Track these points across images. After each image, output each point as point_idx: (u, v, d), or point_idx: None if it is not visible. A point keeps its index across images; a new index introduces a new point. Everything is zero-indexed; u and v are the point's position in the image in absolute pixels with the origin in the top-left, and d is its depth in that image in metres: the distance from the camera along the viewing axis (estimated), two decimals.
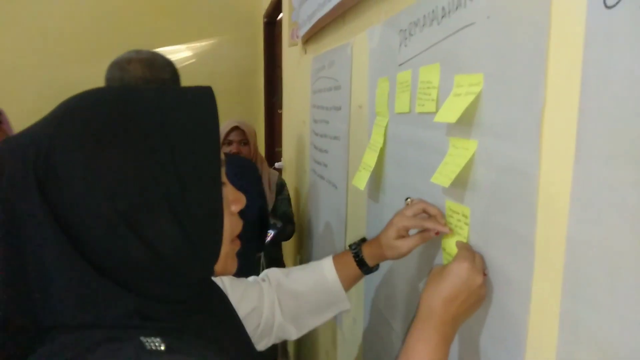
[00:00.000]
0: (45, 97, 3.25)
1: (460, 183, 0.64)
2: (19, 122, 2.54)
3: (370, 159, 0.96)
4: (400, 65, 0.86)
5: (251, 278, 0.83)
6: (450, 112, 0.64)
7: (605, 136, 0.40)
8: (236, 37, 3.64)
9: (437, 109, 0.71)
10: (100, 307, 0.42)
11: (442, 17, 0.69)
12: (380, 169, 0.98)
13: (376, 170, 0.97)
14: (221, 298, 0.62)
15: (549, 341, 0.48)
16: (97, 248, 0.41)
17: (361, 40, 1.11)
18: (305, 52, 1.84)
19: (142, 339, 0.41)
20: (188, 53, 3.56)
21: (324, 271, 0.80)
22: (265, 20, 3.30)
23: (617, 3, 0.38)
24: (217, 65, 3.59)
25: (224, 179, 0.50)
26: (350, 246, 0.82)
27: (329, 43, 1.47)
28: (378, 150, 0.95)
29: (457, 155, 0.65)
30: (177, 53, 3.56)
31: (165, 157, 0.43)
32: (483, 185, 0.60)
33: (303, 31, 1.59)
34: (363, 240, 0.82)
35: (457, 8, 0.65)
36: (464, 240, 0.65)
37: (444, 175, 0.65)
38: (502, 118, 0.55)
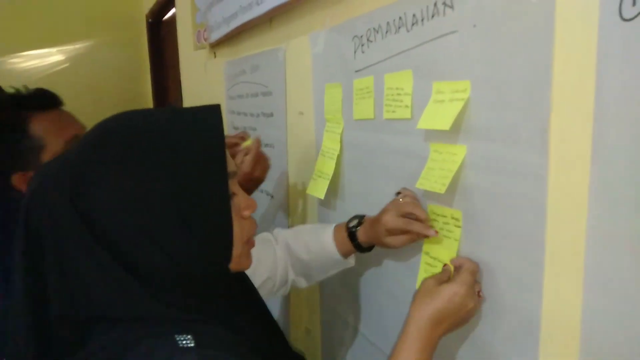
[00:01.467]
0: None
1: (449, 190, 0.66)
2: None
3: (327, 167, 0.95)
4: (358, 71, 0.85)
5: (264, 234, 0.89)
6: (437, 119, 0.65)
7: (623, 140, 0.44)
8: (115, 38, 3.33)
9: (412, 116, 0.72)
10: (134, 302, 0.49)
11: (413, 24, 0.70)
12: (336, 177, 0.96)
13: (332, 178, 0.96)
14: (242, 278, 0.66)
15: (565, 338, 0.52)
16: (128, 257, 0.48)
17: (297, 45, 1.09)
18: (215, 56, 1.75)
19: (176, 336, 0.47)
20: (60, 57, 3.16)
21: (325, 245, 0.82)
22: (149, 20, 3.07)
23: (636, 16, 0.42)
24: (95, 69, 3.25)
25: (235, 188, 0.56)
26: (348, 226, 0.81)
27: (248, 47, 1.42)
28: (335, 157, 0.94)
29: (443, 160, 0.66)
30: (47, 57, 3.16)
31: (179, 177, 0.49)
32: (478, 188, 0.62)
33: (217, 35, 1.50)
34: (362, 218, 0.81)
35: (432, 16, 0.66)
36: (456, 243, 0.67)
37: (432, 181, 0.67)
38: (500, 123, 0.58)
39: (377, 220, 0.75)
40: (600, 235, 0.47)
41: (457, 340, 0.68)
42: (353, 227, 0.81)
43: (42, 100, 0.88)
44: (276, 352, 0.64)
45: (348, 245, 0.81)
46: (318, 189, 0.95)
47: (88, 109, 3.34)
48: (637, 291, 0.45)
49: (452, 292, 0.59)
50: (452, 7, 0.62)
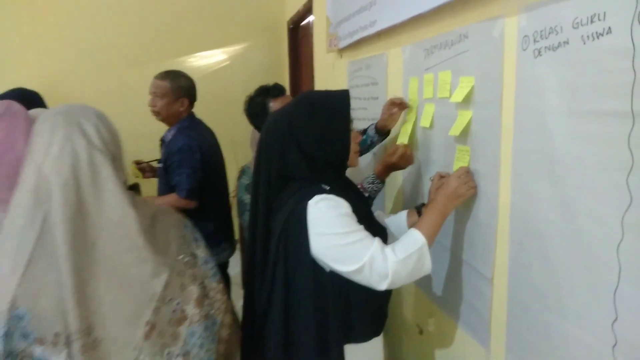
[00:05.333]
0: (102, 96, 3.92)
1: (463, 133, 1.23)
2: None
3: (408, 127, 1.57)
4: (426, 70, 1.45)
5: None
6: (458, 96, 1.23)
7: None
8: (263, 41, 4.22)
9: (450, 95, 1.31)
10: (305, 171, 1.16)
11: (451, 45, 1.29)
12: (413, 133, 1.57)
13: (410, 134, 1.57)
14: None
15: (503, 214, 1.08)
16: (307, 151, 1.16)
17: (395, 53, 1.71)
18: (341, 57, 2.43)
19: (321, 185, 1.13)
20: (223, 56, 4.14)
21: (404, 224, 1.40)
22: (290, 26, 3.87)
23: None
24: (247, 66, 4.18)
25: (354, 130, 1.22)
26: (417, 208, 1.40)
27: (364, 52, 2.06)
28: (412, 120, 1.55)
29: (462, 119, 1.25)
30: (214, 57, 4.15)
31: (331, 118, 1.17)
32: (475, 134, 1.20)
33: (344, 43, 2.18)
34: (423, 205, 1.39)
35: (459, 41, 1.24)
36: (467, 162, 1.25)
37: (456, 129, 1.25)
38: (483, 98, 1.15)
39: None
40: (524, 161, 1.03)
41: (461, 218, 1.27)
42: (418, 207, 1.39)
43: (275, 91, 1.72)
44: (370, 221, 1.25)
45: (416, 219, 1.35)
46: (403, 138, 1.58)
47: (240, 96, 4.42)
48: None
49: (451, 179, 1.19)
50: (467, 37, 1.20)
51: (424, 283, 1.54)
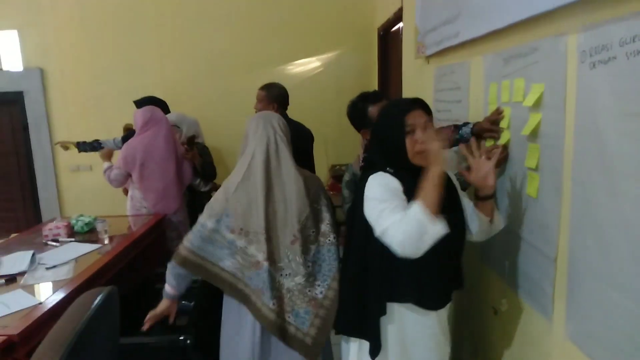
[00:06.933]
0: (211, 99, 4.54)
1: (534, 133, 1.41)
2: (194, 115, 3.95)
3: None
4: (504, 77, 1.64)
5: None
6: (530, 100, 1.42)
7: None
8: (354, 47, 4.52)
9: (524, 99, 1.49)
10: (378, 159, 1.47)
11: (525, 56, 1.47)
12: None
13: None
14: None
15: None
16: (381, 145, 1.48)
17: (477, 61, 1.90)
18: (428, 63, 2.64)
19: (387, 168, 1.43)
20: (317, 63, 4.51)
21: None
22: (380, 33, 4.13)
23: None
24: (340, 71, 4.51)
25: (416, 133, 1.40)
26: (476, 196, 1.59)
27: (449, 59, 2.27)
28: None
29: (533, 120, 1.43)
30: (309, 64, 4.53)
31: (390, 124, 1.43)
32: (544, 134, 1.38)
33: (430, 51, 2.39)
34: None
35: (531, 53, 1.43)
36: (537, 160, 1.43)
37: (527, 129, 1.43)
38: (550, 102, 1.33)
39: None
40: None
41: None
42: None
43: (374, 97, 2.04)
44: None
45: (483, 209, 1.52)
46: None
47: (333, 98, 4.89)
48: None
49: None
50: (537, 49, 1.38)
51: (499, 266, 1.73)
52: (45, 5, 4.44)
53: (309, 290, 1.69)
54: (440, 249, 1.29)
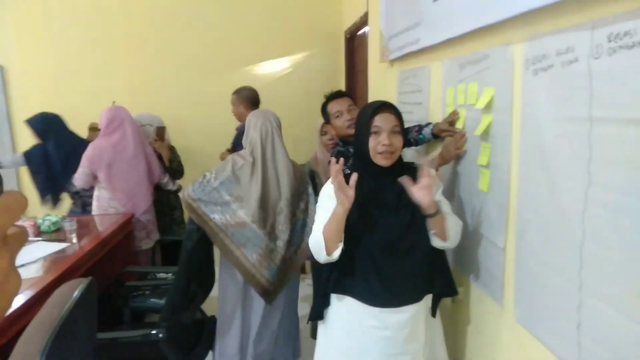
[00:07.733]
0: (179, 100, 4.54)
1: (485, 133, 1.54)
2: (166, 120, 3.98)
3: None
4: (460, 81, 1.77)
5: None
6: (482, 103, 1.54)
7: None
8: (321, 50, 4.62)
9: (477, 102, 1.62)
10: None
11: (478, 62, 1.60)
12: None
13: None
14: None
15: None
16: (356, 146, 1.51)
17: (436, 66, 2.03)
18: (392, 66, 2.76)
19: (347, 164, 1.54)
20: (287, 64, 4.59)
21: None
22: (347, 36, 4.24)
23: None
24: (307, 73, 4.61)
25: (380, 135, 1.52)
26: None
27: (411, 63, 2.39)
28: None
29: (485, 121, 1.56)
30: (277, 65, 4.60)
31: (360, 123, 1.54)
32: (494, 134, 1.51)
33: (394, 55, 2.52)
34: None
35: (483, 59, 1.55)
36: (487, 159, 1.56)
37: (480, 130, 1.56)
38: (499, 105, 1.46)
39: None
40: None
41: None
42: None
43: (332, 95, 2.22)
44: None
45: None
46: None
47: (302, 99, 4.99)
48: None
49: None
50: (489, 56, 1.51)
51: (457, 257, 1.86)
52: (6, 0, 4.34)
53: (284, 252, 2.17)
54: (377, 249, 1.51)
